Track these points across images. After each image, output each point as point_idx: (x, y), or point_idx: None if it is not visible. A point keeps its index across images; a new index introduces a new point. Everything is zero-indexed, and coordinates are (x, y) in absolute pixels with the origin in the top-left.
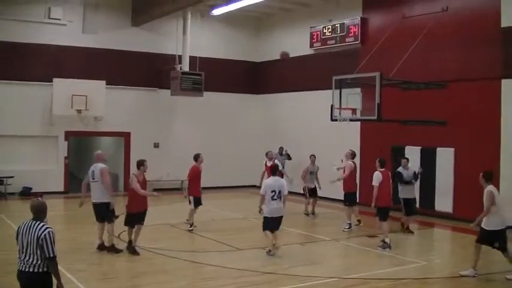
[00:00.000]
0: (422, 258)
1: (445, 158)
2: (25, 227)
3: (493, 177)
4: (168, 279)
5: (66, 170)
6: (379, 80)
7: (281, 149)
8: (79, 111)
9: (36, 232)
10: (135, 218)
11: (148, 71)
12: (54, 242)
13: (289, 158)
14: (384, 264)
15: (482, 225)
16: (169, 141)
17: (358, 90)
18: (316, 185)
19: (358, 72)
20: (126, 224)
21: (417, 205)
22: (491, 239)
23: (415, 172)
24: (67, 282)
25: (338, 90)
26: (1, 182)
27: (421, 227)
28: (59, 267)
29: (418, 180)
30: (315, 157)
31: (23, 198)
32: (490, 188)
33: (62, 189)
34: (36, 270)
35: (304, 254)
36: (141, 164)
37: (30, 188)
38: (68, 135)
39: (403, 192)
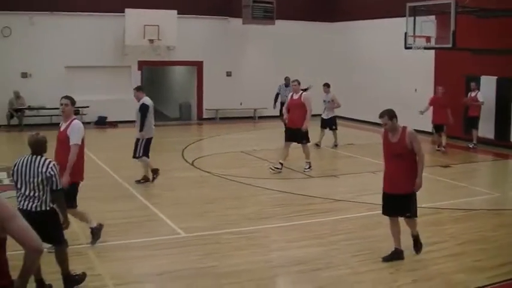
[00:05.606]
0: (496, 190)
1: None
2: (24, 163)
3: None
4: (239, 205)
5: None
6: (454, 7)
7: (287, 79)
8: (151, 41)
9: (41, 166)
10: None
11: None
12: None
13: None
14: (457, 194)
15: None
16: (241, 70)
17: (433, 18)
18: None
19: None
20: None
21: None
22: None
23: None
24: (143, 207)
25: (412, 18)
26: (77, 112)
27: (495, 158)
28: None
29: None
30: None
31: (99, 127)
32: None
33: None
34: (43, 208)
35: (375, 183)
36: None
37: (105, 117)
38: (141, 65)
39: None
